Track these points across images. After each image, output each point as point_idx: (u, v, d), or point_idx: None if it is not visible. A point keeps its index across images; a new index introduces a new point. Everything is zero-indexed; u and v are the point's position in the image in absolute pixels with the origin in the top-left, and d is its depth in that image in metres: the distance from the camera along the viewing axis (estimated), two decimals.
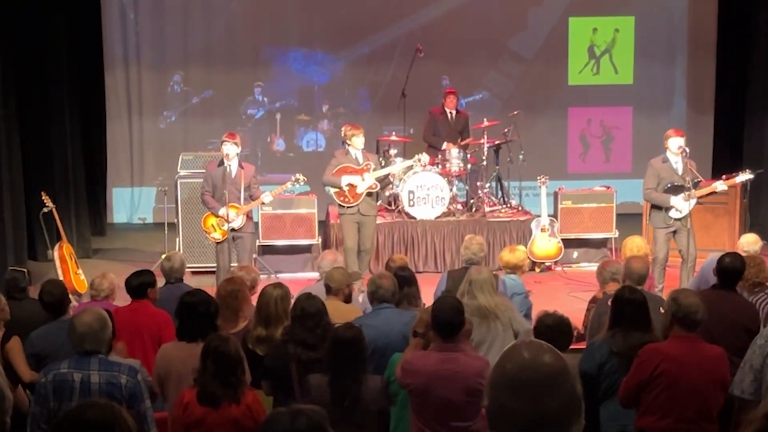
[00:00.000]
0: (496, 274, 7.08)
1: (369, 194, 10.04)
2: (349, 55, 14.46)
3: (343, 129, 10.25)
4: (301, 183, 9.89)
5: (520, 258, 7.65)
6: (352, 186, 9.94)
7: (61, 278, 9.58)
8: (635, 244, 7.96)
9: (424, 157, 10.82)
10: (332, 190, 10.11)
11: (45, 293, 6.38)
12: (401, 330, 5.95)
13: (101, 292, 7.10)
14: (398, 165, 10.99)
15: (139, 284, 6.74)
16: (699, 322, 5.13)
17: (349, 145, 10.02)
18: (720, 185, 9.64)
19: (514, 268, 7.60)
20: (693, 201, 9.25)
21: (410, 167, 11.13)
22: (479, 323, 6.24)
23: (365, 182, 9.94)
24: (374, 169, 10.01)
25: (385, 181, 10.49)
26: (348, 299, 6.75)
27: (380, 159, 10.85)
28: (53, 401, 4.76)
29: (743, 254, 7.02)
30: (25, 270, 7.65)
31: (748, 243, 8.04)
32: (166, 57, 14.26)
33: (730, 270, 6.37)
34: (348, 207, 10.01)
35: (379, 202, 11.96)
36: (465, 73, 14.32)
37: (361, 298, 7.62)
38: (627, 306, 5.62)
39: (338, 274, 6.82)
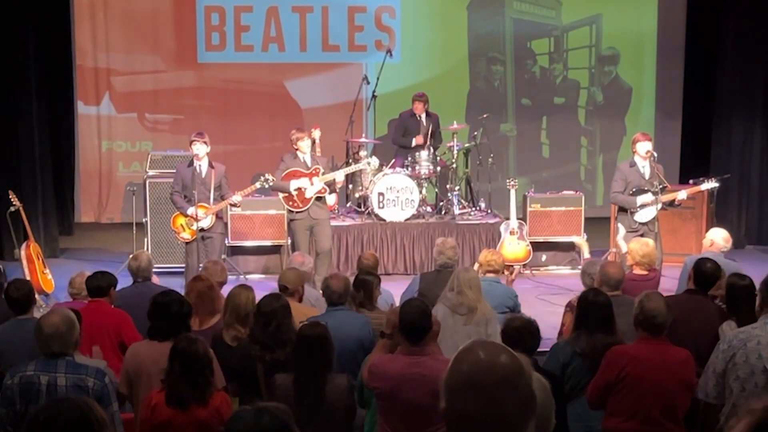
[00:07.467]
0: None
1: (318, 198, 10.02)
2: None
3: (291, 133, 10.19)
4: (270, 183, 9.87)
5: (499, 261, 7.73)
6: (300, 191, 9.92)
7: (28, 278, 9.53)
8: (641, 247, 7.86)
9: (374, 161, 10.82)
10: (281, 195, 10.09)
11: (12, 289, 6.32)
12: (354, 334, 5.98)
13: (82, 290, 7.08)
14: (346, 169, 10.91)
15: (99, 285, 6.71)
16: (660, 327, 5.20)
17: (296, 149, 10.00)
18: (681, 194, 9.66)
19: (495, 270, 7.65)
20: (659, 206, 9.33)
21: (379, 170, 11.17)
22: (465, 320, 6.41)
23: (314, 186, 9.93)
24: (323, 173, 9.99)
25: (332, 187, 10.41)
26: (300, 299, 6.74)
27: (333, 162, 10.80)
28: (19, 403, 4.73)
29: (717, 252, 7.17)
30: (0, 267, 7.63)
31: (724, 240, 8.12)
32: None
33: (710, 276, 6.46)
34: (298, 212, 10.00)
35: (348, 204, 11.96)
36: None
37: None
38: (591, 308, 5.72)
39: (292, 274, 6.78)
